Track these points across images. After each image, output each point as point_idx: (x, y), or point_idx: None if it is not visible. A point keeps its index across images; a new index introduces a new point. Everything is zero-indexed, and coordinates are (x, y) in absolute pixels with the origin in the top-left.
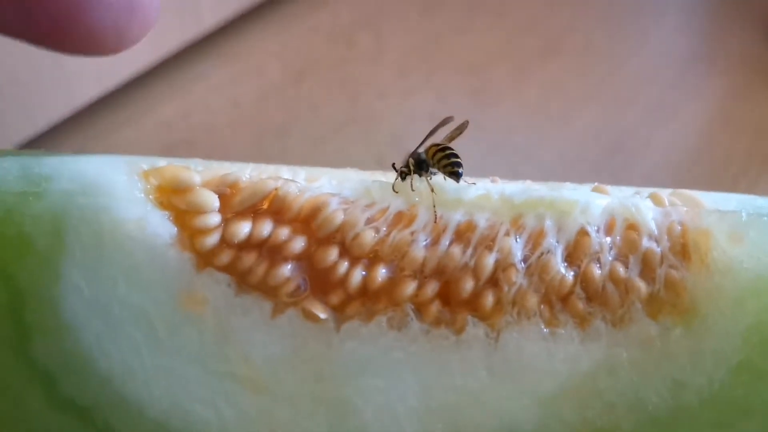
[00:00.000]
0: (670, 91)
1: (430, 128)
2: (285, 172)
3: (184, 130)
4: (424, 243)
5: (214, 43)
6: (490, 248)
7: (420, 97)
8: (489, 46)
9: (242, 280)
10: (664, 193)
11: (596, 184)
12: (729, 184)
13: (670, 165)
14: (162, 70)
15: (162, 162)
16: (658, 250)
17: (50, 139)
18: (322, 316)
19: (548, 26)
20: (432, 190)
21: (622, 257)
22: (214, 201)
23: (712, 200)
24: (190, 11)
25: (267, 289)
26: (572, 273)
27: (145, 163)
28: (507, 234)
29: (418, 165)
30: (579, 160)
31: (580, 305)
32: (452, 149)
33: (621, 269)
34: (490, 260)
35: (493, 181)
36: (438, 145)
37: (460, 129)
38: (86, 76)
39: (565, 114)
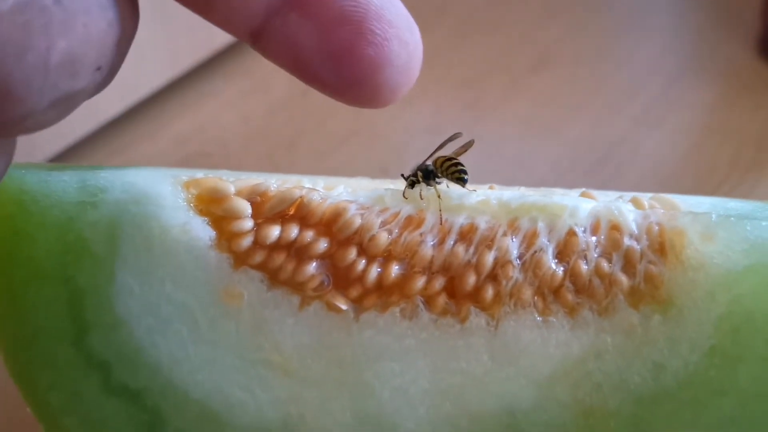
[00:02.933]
0: (657, 102)
1: (429, 139)
2: (306, 182)
3: (199, 144)
4: (432, 243)
5: (224, 62)
6: (489, 247)
7: (418, 110)
8: (482, 60)
9: (273, 277)
10: (644, 198)
11: (584, 189)
12: (713, 189)
13: (657, 172)
14: (176, 89)
15: (199, 174)
16: (638, 248)
17: (77, 152)
18: (344, 307)
19: (539, 41)
20: (438, 196)
21: (607, 254)
22: (247, 208)
23: (687, 204)
24: (202, 33)
25: (295, 285)
26: (562, 268)
27: (184, 175)
28: (504, 235)
29: (425, 175)
30: (569, 169)
31: (570, 297)
32: (459, 160)
33: (605, 265)
34: (489, 258)
35: (490, 188)
36: (445, 156)
37: (466, 147)
38: (108, 95)
39: (555, 125)
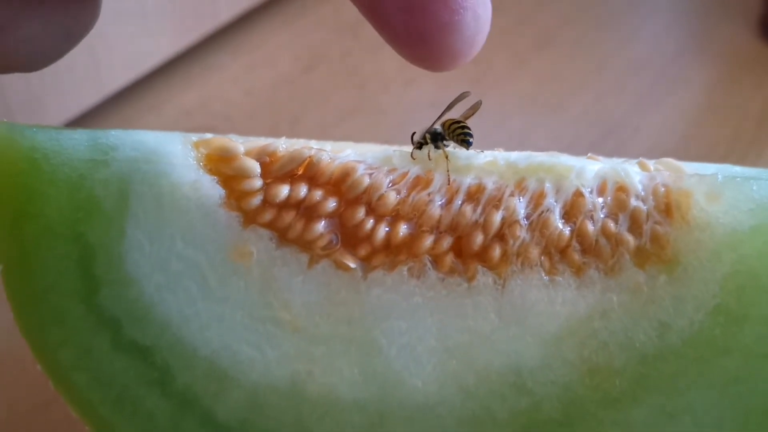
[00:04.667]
0: (660, 79)
1: (433, 115)
2: (314, 144)
3: (203, 118)
4: (440, 203)
5: (230, 36)
6: (497, 207)
7: (421, 86)
8: (486, 38)
9: (282, 236)
10: (650, 162)
11: (590, 154)
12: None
13: (658, 150)
14: (182, 62)
15: (208, 136)
16: (645, 208)
17: (82, 123)
18: (352, 265)
19: (543, 19)
20: (446, 157)
21: (613, 215)
22: (256, 167)
23: (692, 168)
24: (207, 7)
25: (304, 243)
26: (569, 229)
27: (194, 136)
28: (512, 195)
29: (434, 137)
30: (572, 146)
31: (576, 257)
32: (466, 123)
33: (612, 225)
34: (497, 218)
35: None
36: (453, 119)
37: (474, 109)
38: (115, 67)
39: (558, 102)
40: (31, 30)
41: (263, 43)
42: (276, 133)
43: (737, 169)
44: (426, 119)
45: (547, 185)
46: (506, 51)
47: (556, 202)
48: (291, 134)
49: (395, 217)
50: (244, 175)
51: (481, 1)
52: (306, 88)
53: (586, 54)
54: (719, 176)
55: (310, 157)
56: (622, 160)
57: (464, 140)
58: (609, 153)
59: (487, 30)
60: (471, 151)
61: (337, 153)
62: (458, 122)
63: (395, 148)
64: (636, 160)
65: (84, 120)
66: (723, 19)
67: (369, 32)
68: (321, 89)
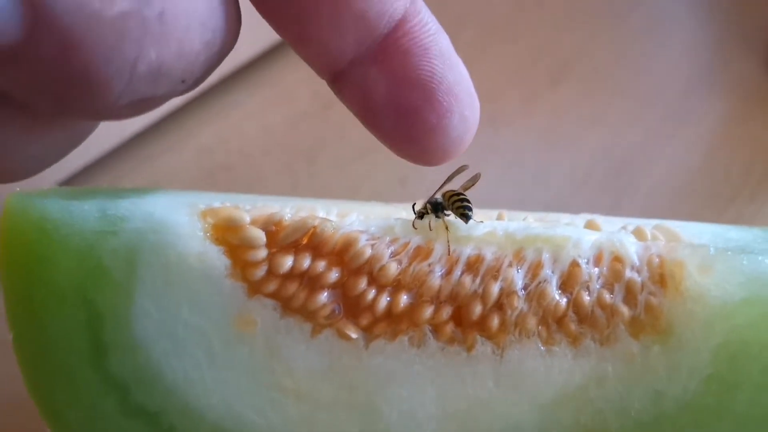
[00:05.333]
0: (673, 113)
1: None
2: (320, 208)
3: (222, 155)
4: (440, 273)
5: (248, 73)
6: (495, 278)
7: None
8: (501, 74)
9: (286, 305)
10: (648, 227)
11: (589, 219)
12: (727, 200)
13: (671, 184)
14: (201, 100)
15: (216, 202)
16: (639, 279)
17: (104, 164)
18: (354, 335)
19: (556, 55)
20: (446, 228)
21: (609, 285)
22: (261, 237)
23: (689, 233)
24: None
25: (307, 313)
26: (565, 299)
27: (202, 202)
28: (510, 265)
29: (434, 207)
30: (586, 180)
31: (573, 326)
32: (465, 196)
33: (607, 296)
34: (495, 288)
35: (499, 216)
36: (453, 191)
37: (473, 180)
38: None
39: (572, 137)
40: (33, 150)
41: (281, 79)
42: (293, 171)
43: (733, 234)
44: None
45: (545, 255)
46: (519, 88)
47: (552, 272)
48: (307, 171)
49: (396, 287)
50: (249, 245)
51: (468, 104)
52: (323, 125)
53: (599, 88)
54: (711, 248)
55: (314, 227)
56: (622, 223)
57: (464, 213)
58: (623, 187)
59: (475, 129)
60: (471, 222)
61: (342, 217)
62: (458, 194)
63: (400, 212)
64: (634, 224)
65: (104, 162)
66: (736, 53)
67: None
68: (338, 126)
